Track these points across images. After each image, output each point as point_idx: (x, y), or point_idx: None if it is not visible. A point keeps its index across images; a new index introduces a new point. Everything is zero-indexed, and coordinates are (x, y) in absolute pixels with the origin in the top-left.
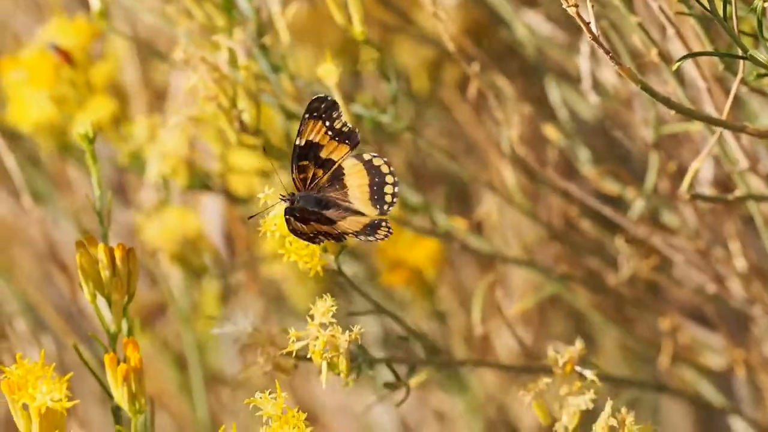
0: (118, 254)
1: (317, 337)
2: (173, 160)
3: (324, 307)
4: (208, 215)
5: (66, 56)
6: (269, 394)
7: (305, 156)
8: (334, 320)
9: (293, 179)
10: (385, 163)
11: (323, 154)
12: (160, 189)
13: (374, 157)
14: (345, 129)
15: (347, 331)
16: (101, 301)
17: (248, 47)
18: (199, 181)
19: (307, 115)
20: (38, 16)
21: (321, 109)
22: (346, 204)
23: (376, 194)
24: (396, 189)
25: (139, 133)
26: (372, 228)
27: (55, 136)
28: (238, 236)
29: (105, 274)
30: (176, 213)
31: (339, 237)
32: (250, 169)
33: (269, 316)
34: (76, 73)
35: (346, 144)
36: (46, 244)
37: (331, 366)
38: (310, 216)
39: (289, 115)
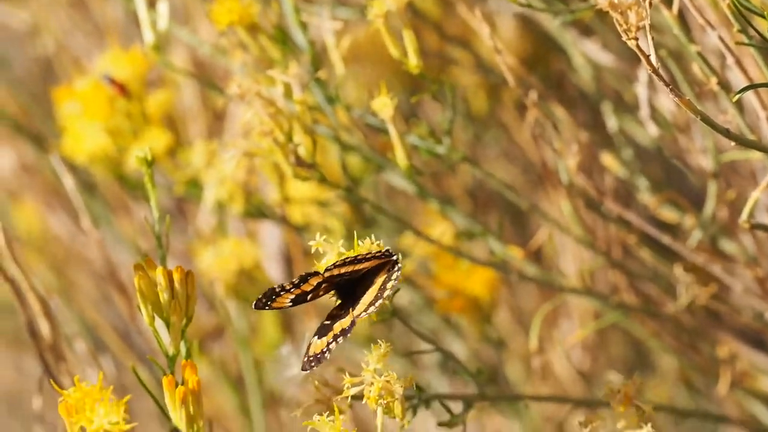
0: (176, 277)
1: (372, 383)
2: (230, 185)
3: (379, 353)
4: (268, 241)
5: (121, 88)
6: (327, 416)
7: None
8: (389, 365)
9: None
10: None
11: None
12: (217, 215)
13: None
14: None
15: (402, 378)
16: (159, 324)
17: (303, 80)
18: (256, 209)
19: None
20: (98, 39)
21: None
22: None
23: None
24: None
25: (196, 159)
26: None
27: (111, 167)
28: (297, 262)
29: (164, 296)
30: (232, 243)
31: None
32: (306, 198)
33: None
34: (131, 104)
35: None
36: (104, 266)
37: (387, 410)
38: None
39: (345, 147)
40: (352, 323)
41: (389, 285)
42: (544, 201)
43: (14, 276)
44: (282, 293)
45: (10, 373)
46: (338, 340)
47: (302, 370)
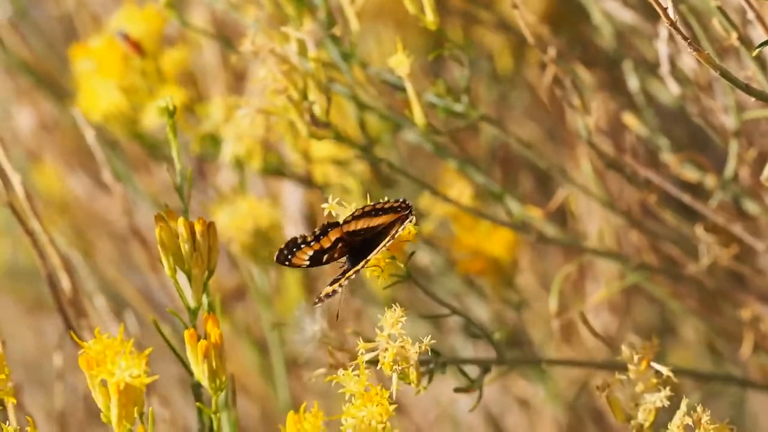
0: (198, 228)
1: (386, 349)
2: (249, 142)
3: (393, 318)
4: (290, 202)
5: (135, 46)
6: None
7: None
8: (403, 331)
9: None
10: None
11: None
12: (235, 172)
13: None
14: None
15: (417, 343)
16: (181, 277)
17: (318, 37)
18: (275, 166)
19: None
20: None
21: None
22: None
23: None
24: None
25: (215, 115)
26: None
27: (126, 125)
28: (319, 221)
29: (185, 248)
30: (249, 203)
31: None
32: (324, 157)
33: (348, 301)
34: (146, 62)
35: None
36: (125, 221)
37: (402, 376)
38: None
39: (361, 105)
40: (365, 263)
41: (400, 230)
42: (567, 162)
43: (34, 229)
44: (303, 246)
45: (31, 338)
46: (349, 277)
47: (314, 304)
